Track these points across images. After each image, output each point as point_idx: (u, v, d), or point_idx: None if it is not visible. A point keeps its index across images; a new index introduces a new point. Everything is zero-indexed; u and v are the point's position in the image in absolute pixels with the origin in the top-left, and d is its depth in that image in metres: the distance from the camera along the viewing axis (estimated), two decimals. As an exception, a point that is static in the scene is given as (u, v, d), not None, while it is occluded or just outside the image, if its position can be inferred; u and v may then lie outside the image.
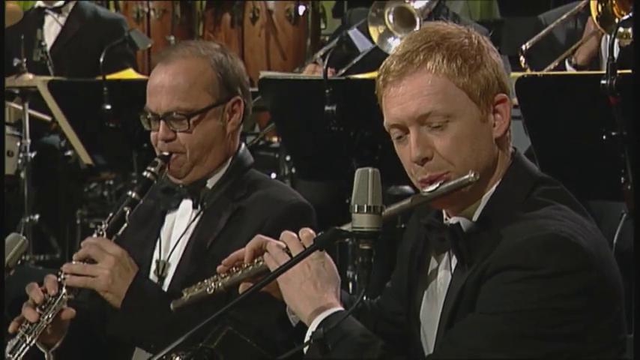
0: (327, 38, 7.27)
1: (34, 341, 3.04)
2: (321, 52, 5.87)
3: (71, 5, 6.99)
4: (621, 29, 4.36)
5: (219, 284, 2.66)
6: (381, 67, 2.53)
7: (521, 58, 4.85)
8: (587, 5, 4.78)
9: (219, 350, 2.44)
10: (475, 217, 2.51)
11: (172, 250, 3.27)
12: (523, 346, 2.34)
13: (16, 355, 3.03)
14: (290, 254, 2.54)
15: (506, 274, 2.37)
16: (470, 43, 2.50)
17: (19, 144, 6.24)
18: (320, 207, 3.54)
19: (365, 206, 2.40)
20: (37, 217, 6.32)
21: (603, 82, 3.76)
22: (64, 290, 3.09)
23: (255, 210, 3.21)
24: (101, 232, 3.17)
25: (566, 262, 2.36)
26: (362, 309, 2.77)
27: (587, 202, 2.88)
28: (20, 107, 6.28)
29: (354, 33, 5.37)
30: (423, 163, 2.48)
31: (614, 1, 4.67)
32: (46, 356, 3.11)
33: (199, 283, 2.71)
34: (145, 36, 6.35)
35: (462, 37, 2.51)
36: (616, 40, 3.95)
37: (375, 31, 5.50)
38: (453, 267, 2.53)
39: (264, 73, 5.63)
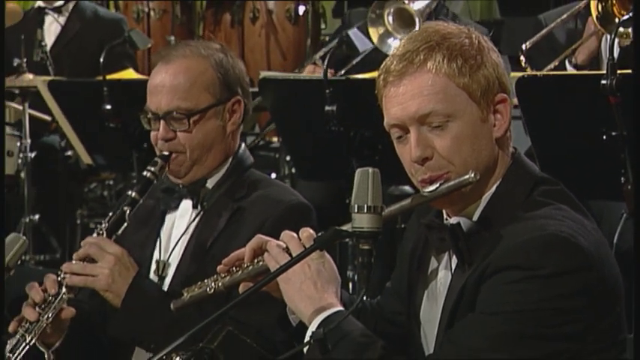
0: (327, 38, 7.26)
1: (33, 340, 3.04)
2: (320, 53, 5.87)
3: (71, 5, 6.98)
4: (621, 29, 4.36)
5: (220, 284, 2.66)
6: (382, 66, 2.53)
7: (522, 58, 4.85)
8: (587, 5, 4.78)
9: (219, 350, 2.44)
10: (475, 217, 2.51)
11: (172, 250, 3.26)
12: (523, 346, 2.34)
13: (15, 355, 3.02)
14: (290, 254, 2.54)
15: (506, 274, 2.37)
16: (470, 43, 2.50)
17: (19, 144, 6.23)
18: (320, 207, 3.53)
19: (365, 206, 2.40)
20: (37, 217, 6.31)
21: (603, 82, 3.76)
22: (64, 289, 3.09)
23: (255, 210, 3.21)
24: (101, 232, 3.17)
25: (566, 262, 2.35)
26: (362, 309, 2.77)
27: (587, 202, 2.87)
28: (20, 107, 6.27)
29: (354, 33, 5.36)
30: (424, 163, 2.47)
31: (614, 1, 4.67)
32: (45, 356, 3.10)
33: (199, 282, 2.71)
34: (145, 36, 6.35)
35: (463, 37, 2.50)
36: (616, 40, 3.95)
37: (374, 32, 5.49)
38: (453, 267, 2.53)
39: (264, 73, 5.63)
